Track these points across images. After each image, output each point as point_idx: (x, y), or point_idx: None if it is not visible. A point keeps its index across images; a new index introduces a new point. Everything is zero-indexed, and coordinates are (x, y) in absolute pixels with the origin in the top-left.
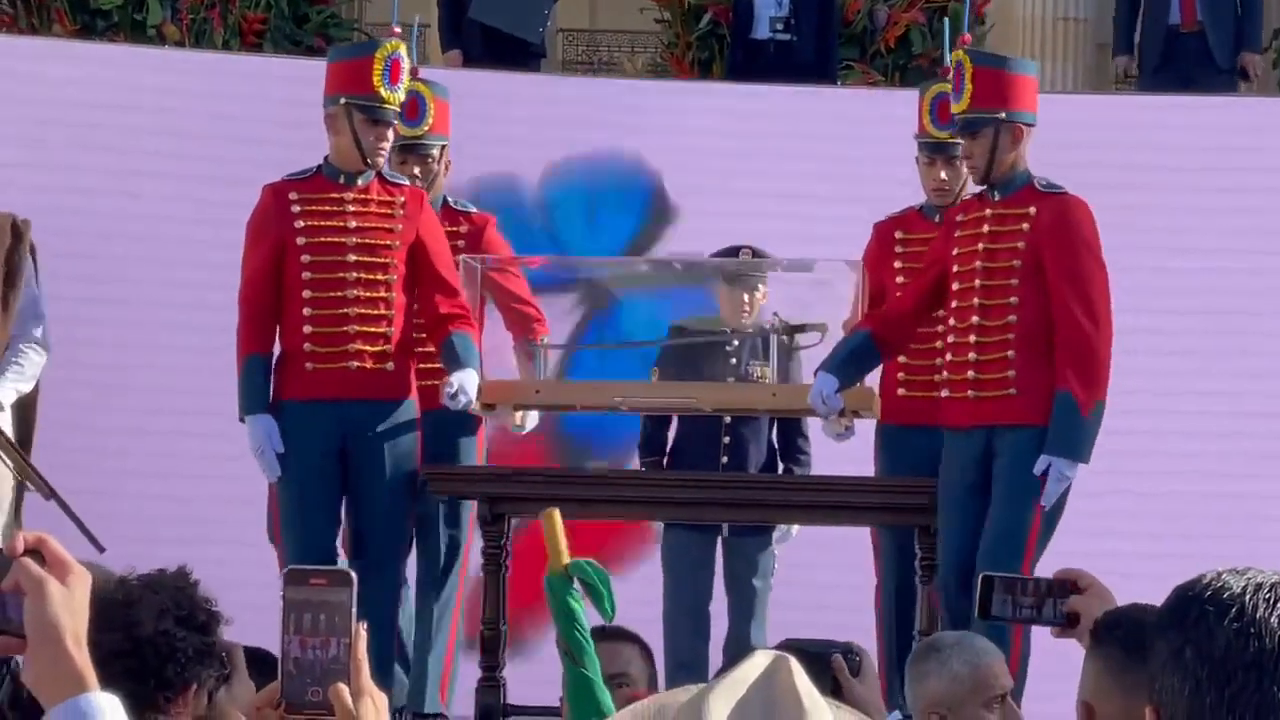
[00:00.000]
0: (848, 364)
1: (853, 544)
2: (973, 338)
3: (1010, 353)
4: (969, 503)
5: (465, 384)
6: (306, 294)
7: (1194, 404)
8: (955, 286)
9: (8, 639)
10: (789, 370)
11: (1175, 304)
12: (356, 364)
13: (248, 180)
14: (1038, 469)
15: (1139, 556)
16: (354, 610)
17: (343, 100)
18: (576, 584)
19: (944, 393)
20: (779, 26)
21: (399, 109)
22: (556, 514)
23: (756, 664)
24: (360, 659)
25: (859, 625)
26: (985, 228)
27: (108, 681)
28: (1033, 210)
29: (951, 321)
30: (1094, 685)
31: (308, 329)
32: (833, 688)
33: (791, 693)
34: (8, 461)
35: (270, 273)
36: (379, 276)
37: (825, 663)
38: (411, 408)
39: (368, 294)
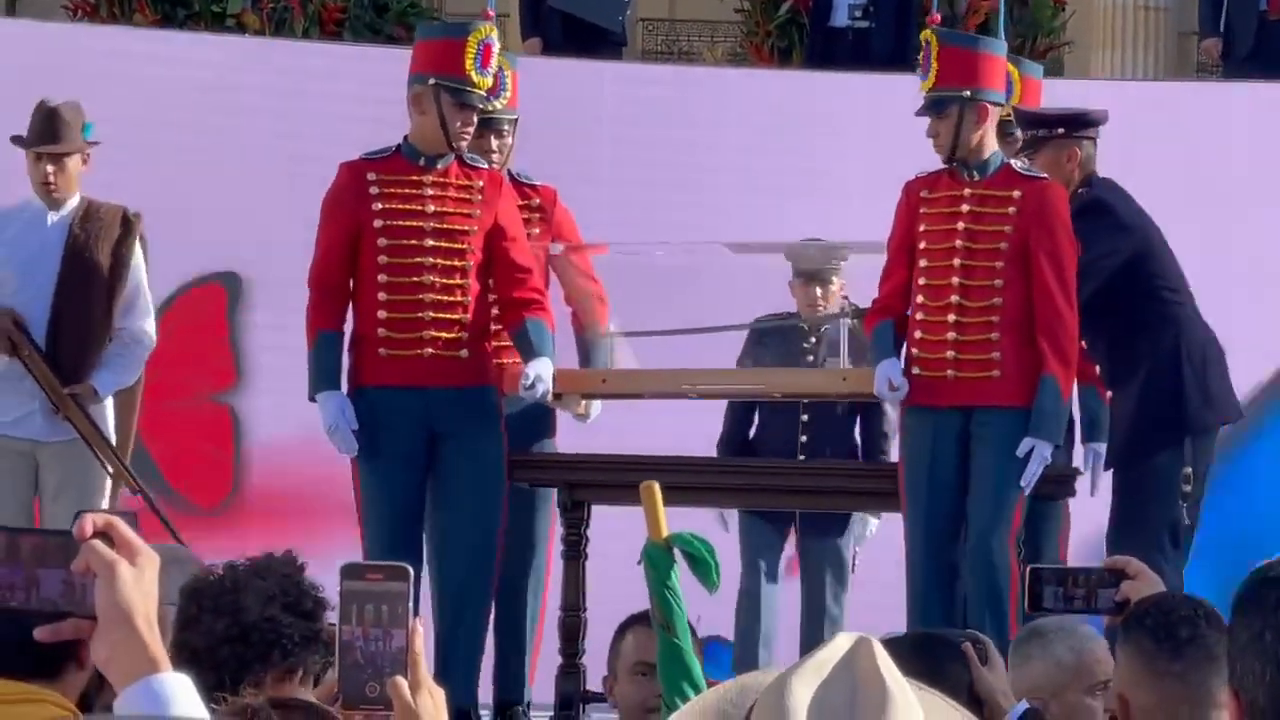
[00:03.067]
0: (896, 351)
1: None
2: (952, 317)
3: (995, 334)
4: (942, 484)
5: (542, 373)
6: (382, 278)
7: None
8: (925, 264)
9: (79, 621)
10: (863, 355)
11: (1255, 292)
12: (431, 350)
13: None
14: (1021, 451)
15: None
16: (411, 603)
17: (432, 81)
18: (677, 555)
19: (916, 370)
20: (858, 14)
21: (487, 94)
22: (656, 486)
23: (838, 646)
24: (418, 652)
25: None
26: (964, 207)
27: (214, 667)
28: (1017, 194)
29: (921, 300)
30: (1126, 676)
31: (382, 314)
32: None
33: (874, 675)
34: (100, 457)
35: (344, 252)
36: (456, 262)
37: (956, 649)
38: (494, 394)
39: (444, 279)
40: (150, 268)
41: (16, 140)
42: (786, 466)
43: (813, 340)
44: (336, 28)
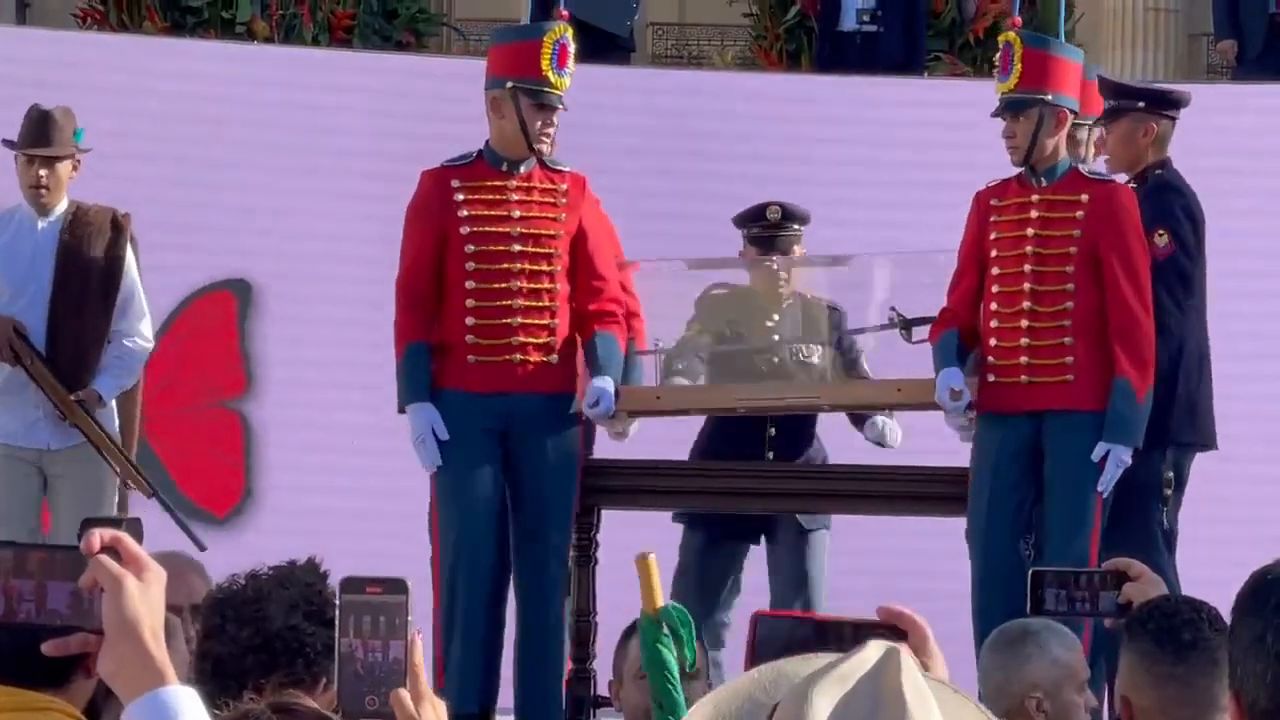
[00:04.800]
0: (960, 361)
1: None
2: (1025, 323)
3: (1068, 339)
4: (1004, 489)
5: (604, 393)
6: (470, 284)
7: None
8: (997, 271)
9: (87, 635)
10: (855, 363)
11: (1264, 289)
12: (520, 356)
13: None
14: (1096, 455)
15: None
16: (410, 614)
17: (510, 84)
18: (665, 630)
19: (990, 377)
20: (866, 18)
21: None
22: (652, 558)
23: (866, 657)
24: (418, 664)
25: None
26: (1034, 213)
27: (238, 675)
28: (1085, 197)
29: (994, 306)
30: (1129, 678)
31: (470, 320)
32: None
33: (897, 691)
34: (111, 461)
35: (432, 260)
36: (543, 267)
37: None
38: (575, 401)
39: (531, 285)
40: (160, 274)
41: (8, 143)
42: (811, 471)
43: (775, 319)
44: (346, 34)
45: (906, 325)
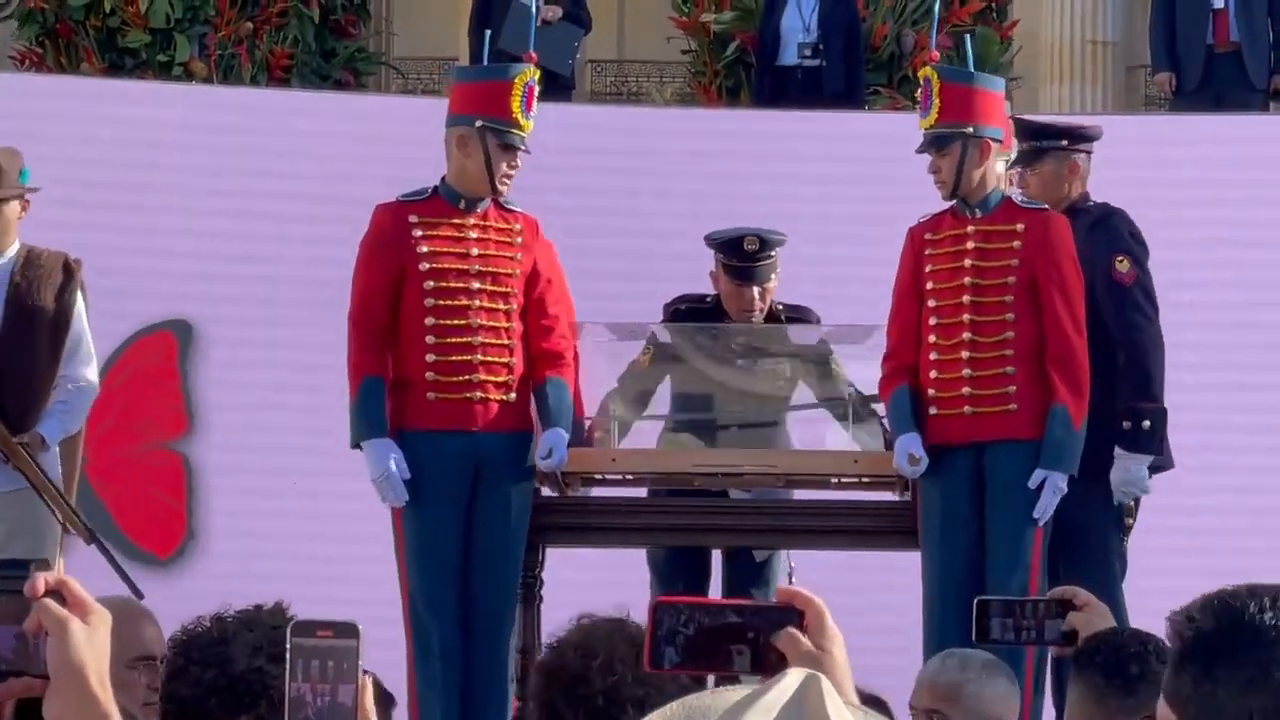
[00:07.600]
0: (916, 422)
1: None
2: (966, 354)
3: (1009, 368)
4: (961, 521)
5: (556, 445)
6: (429, 321)
7: (1226, 424)
8: (934, 304)
9: (31, 680)
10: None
11: (1205, 320)
12: (481, 394)
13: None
14: (1033, 482)
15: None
16: (360, 659)
17: (479, 122)
18: None
19: (932, 410)
20: (806, 53)
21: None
22: None
23: (787, 686)
24: (368, 709)
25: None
26: (970, 244)
27: (202, 717)
28: (1021, 227)
29: (933, 339)
30: (1078, 712)
31: (430, 358)
32: None
33: (822, 717)
34: (51, 506)
35: (388, 295)
36: (500, 305)
37: None
38: (532, 440)
39: (490, 323)
40: (100, 315)
41: None
42: (756, 506)
43: (740, 341)
44: (284, 74)
45: (865, 402)
